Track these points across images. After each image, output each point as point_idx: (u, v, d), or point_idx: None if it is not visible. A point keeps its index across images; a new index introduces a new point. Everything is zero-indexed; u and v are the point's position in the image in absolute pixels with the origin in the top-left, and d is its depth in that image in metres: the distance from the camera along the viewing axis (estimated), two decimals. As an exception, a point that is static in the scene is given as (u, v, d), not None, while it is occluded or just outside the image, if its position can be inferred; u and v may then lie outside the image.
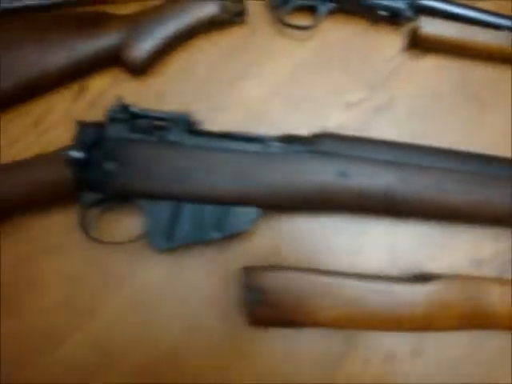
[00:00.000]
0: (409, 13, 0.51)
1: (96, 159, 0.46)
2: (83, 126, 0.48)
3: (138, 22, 0.51)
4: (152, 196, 0.46)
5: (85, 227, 0.48)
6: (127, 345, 0.49)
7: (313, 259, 0.50)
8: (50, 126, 0.53)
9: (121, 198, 0.48)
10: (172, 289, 0.50)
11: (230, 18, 0.52)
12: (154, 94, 0.52)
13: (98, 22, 0.51)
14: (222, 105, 0.52)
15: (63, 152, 0.45)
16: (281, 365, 0.49)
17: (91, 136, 0.47)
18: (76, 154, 0.45)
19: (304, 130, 0.49)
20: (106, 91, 0.53)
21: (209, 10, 0.51)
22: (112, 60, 0.52)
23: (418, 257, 0.51)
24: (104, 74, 0.53)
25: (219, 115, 0.51)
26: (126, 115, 0.47)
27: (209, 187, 0.46)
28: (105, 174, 0.46)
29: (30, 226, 0.51)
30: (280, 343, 0.49)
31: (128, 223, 0.51)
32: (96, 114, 0.52)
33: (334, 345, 0.49)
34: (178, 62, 0.53)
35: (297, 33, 0.53)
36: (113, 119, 0.47)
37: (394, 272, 0.50)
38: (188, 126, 0.47)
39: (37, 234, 0.51)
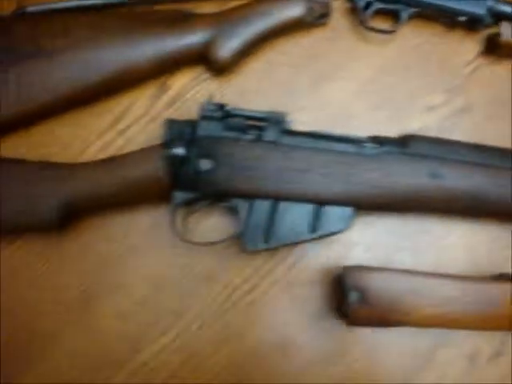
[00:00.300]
0: (488, 19, 0.53)
1: (191, 157, 0.45)
2: (173, 124, 0.47)
3: (226, 21, 0.51)
4: (248, 195, 0.46)
5: (175, 227, 0.47)
6: (213, 345, 0.49)
7: (396, 259, 0.50)
8: (131, 124, 0.52)
9: (214, 197, 0.47)
10: (259, 289, 0.49)
11: (315, 19, 0.52)
12: (237, 93, 0.52)
13: (185, 20, 0.51)
14: (304, 105, 0.52)
15: (165, 149, 0.44)
16: (367, 363, 0.49)
17: (183, 134, 0.46)
18: (179, 151, 0.44)
19: (386, 132, 0.50)
20: (186, 90, 0.53)
21: (295, 11, 0.51)
22: (196, 58, 0.51)
23: (497, 258, 0.52)
24: (185, 73, 0.53)
25: (301, 115, 0.51)
26: (219, 113, 0.47)
27: (305, 187, 0.46)
28: (200, 172, 0.45)
29: (113, 225, 0.50)
30: (368, 342, 0.49)
31: (214, 223, 0.50)
32: (176, 113, 0.52)
33: (421, 343, 0.49)
34: (260, 61, 0.53)
35: (377, 36, 0.53)
36: (205, 117, 0.47)
37: (474, 272, 0.51)
38: (282, 125, 0.47)
39: (120, 233, 0.50)
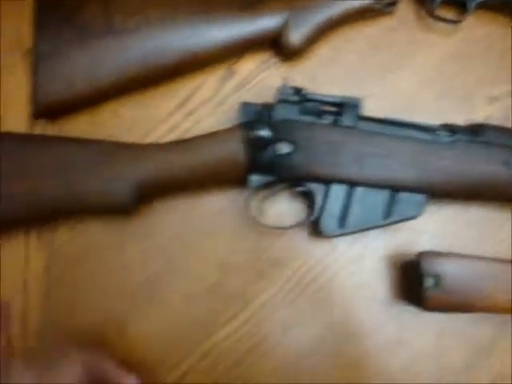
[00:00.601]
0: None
1: (270, 140, 0.45)
2: (248, 106, 0.47)
3: (298, 6, 0.50)
4: (326, 180, 0.46)
5: (250, 211, 0.47)
6: (281, 331, 0.49)
7: (461, 246, 0.51)
8: (198, 106, 0.52)
9: (290, 181, 0.47)
10: (327, 275, 0.50)
11: (382, 7, 0.52)
12: (304, 79, 0.52)
13: (256, 4, 0.50)
14: (370, 93, 0.52)
15: (249, 130, 0.44)
16: (433, 349, 0.49)
17: (261, 116, 0.46)
18: (265, 133, 0.44)
19: (451, 121, 0.50)
20: (254, 73, 0.52)
21: (365, -1, 0.51)
22: (267, 42, 0.51)
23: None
24: (254, 56, 0.52)
25: (368, 103, 0.51)
26: (296, 97, 0.46)
27: (382, 173, 0.46)
28: (279, 156, 0.45)
29: (182, 208, 0.50)
30: (434, 328, 0.49)
31: (283, 208, 0.50)
32: (244, 96, 0.51)
33: (484, 331, 0.50)
34: (326, 48, 0.53)
35: (441, 26, 0.54)
36: (282, 100, 0.46)
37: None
38: (358, 110, 0.47)
39: (188, 217, 0.50)
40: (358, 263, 0.50)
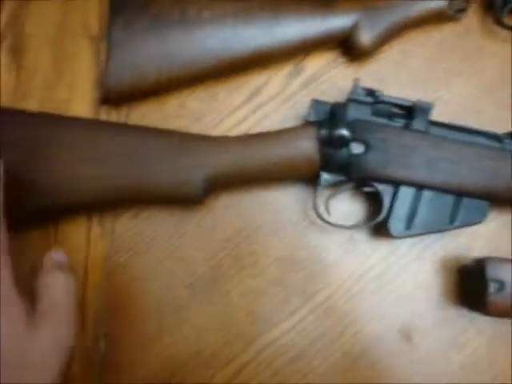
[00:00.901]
0: None
1: (347, 140, 0.45)
2: (319, 104, 0.47)
3: (370, 7, 0.51)
4: (396, 182, 0.46)
5: (317, 209, 0.47)
6: (339, 329, 0.49)
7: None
8: (265, 102, 0.52)
9: (359, 181, 0.47)
10: (386, 276, 0.50)
11: (453, 13, 0.53)
12: (371, 80, 0.52)
13: (329, 3, 0.51)
14: (434, 98, 0.52)
15: (326, 129, 0.44)
16: (487, 352, 0.50)
17: (335, 115, 0.46)
18: (343, 133, 0.44)
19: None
20: (322, 72, 0.52)
21: (438, 3, 0.52)
22: (337, 42, 0.51)
23: None
24: (321, 55, 0.53)
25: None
26: (369, 98, 0.47)
27: (451, 178, 0.46)
28: (351, 156, 0.45)
29: (246, 202, 0.50)
30: (488, 332, 0.50)
31: (348, 208, 0.50)
32: (311, 94, 0.52)
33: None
34: (394, 51, 0.53)
35: (508, 34, 0.54)
36: (354, 100, 0.47)
37: None
38: (429, 115, 0.47)
39: (252, 211, 0.50)
40: (417, 265, 0.50)
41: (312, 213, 0.50)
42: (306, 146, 0.45)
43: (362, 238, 0.50)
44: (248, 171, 0.46)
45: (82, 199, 0.46)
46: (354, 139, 0.45)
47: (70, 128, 0.46)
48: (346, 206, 0.50)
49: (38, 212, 0.47)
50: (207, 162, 0.45)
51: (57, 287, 0.38)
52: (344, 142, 0.44)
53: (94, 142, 0.46)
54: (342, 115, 0.46)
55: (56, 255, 0.40)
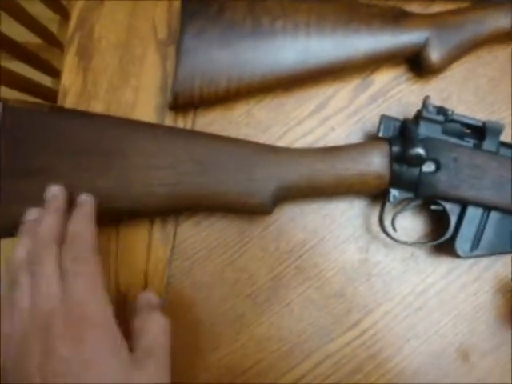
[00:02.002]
0: None
1: (423, 159, 0.45)
2: (389, 120, 0.47)
3: (442, 24, 0.51)
4: (464, 202, 0.46)
5: (384, 225, 0.48)
6: (398, 344, 0.49)
7: None
8: (330, 115, 0.52)
9: (428, 199, 0.47)
10: (446, 294, 0.50)
11: (521, 33, 0.53)
12: (438, 98, 0.52)
13: (401, 18, 0.51)
14: (499, 118, 0.52)
15: (408, 147, 0.44)
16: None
17: (408, 132, 0.46)
18: (420, 152, 0.44)
19: None
20: (389, 87, 0.52)
21: (506, 22, 0.52)
22: (406, 57, 0.51)
23: None
24: (388, 70, 0.53)
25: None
26: (440, 117, 0.47)
27: (519, 200, 0.46)
28: (422, 174, 0.45)
29: (308, 214, 0.50)
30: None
31: (408, 223, 0.50)
32: (377, 109, 0.52)
33: None
34: (461, 69, 0.53)
35: None
36: (425, 118, 0.47)
37: None
38: (499, 136, 0.47)
39: (314, 223, 0.50)
40: (478, 285, 0.50)
41: (374, 227, 0.50)
42: (378, 163, 0.45)
43: (423, 254, 0.50)
44: (317, 185, 0.46)
45: (149, 205, 0.46)
46: (428, 158, 0.45)
47: (140, 133, 0.46)
48: (409, 223, 0.50)
49: (104, 216, 0.47)
50: (279, 174, 0.45)
51: (154, 328, 0.38)
52: (420, 161, 0.44)
53: (165, 148, 0.46)
54: (414, 133, 0.45)
55: (148, 296, 0.41)
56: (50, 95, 0.79)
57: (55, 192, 0.42)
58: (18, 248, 0.38)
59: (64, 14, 0.84)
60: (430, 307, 0.50)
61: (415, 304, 0.50)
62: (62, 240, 0.39)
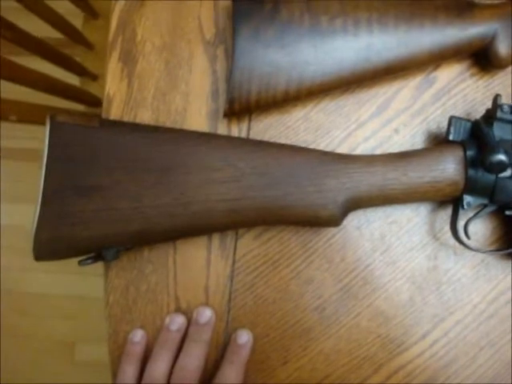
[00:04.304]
0: None
1: (502, 166, 0.42)
2: (458, 122, 0.45)
3: (509, 16, 0.48)
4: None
5: (457, 233, 0.45)
6: (470, 354, 0.48)
7: None
8: (393, 116, 0.49)
9: (502, 205, 0.45)
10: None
11: None
12: (504, 93, 0.49)
13: (466, 11, 0.47)
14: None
15: (487, 153, 0.41)
16: None
17: (485, 135, 0.43)
18: (503, 158, 0.41)
19: None
20: (453, 84, 0.50)
21: None
22: (472, 52, 0.48)
23: None
24: (451, 67, 0.50)
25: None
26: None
27: None
28: (498, 179, 0.43)
29: (374, 222, 0.48)
30: None
31: (481, 229, 0.48)
32: (442, 108, 0.49)
33: None
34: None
35: None
36: (499, 119, 0.44)
37: None
38: None
39: (380, 231, 0.48)
40: None
41: (442, 234, 0.48)
42: (452, 169, 0.43)
43: (494, 260, 0.48)
44: (389, 194, 0.44)
45: (210, 222, 0.44)
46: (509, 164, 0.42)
47: (200, 146, 0.44)
48: (479, 228, 0.48)
49: (164, 235, 0.45)
50: (350, 184, 0.43)
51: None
52: (502, 168, 0.41)
53: (226, 160, 0.43)
54: (491, 137, 0.43)
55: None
56: (79, 96, 0.76)
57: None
58: (121, 373, 0.44)
59: (89, 11, 0.80)
60: (504, 314, 0.48)
61: (487, 312, 0.48)
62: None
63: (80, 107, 0.86)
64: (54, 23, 0.73)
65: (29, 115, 0.68)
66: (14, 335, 1.27)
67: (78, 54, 0.80)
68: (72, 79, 0.84)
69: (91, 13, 0.79)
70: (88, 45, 0.81)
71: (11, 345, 1.26)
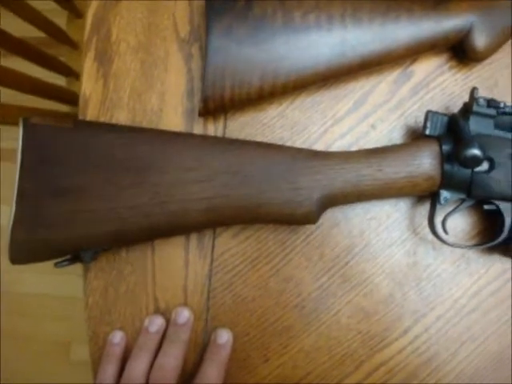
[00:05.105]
0: None
1: (477, 160, 0.42)
2: (435, 116, 0.44)
3: (487, 7, 0.47)
4: (515, 200, 0.44)
5: (434, 227, 0.45)
6: (451, 349, 0.48)
7: None
8: (370, 111, 0.49)
9: (480, 199, 0.45)
10: (500, 295, 0.48)
11: None
12: (483, 87, 0.49)
13: (442, 3, 0.47)
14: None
15: (462, 147, 0.41)
16: None
17: (460, 130, 0.43)
18: (477, 152, 0.41)
19: None
20: (431, 78, 0.49)
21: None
22: (449, 44, 0.48)
23: None
24: (429, 60, 0.49)
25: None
26: (492, 111, 0.44)
27: None
28: (474, 173, 0.43)
29: (352, 219, 0.48)
30: None
31: (460, 224, 0.48)
32: (419, 103, 0.49)
33: None
34: (505, 53, 0.50)
35: None
36: (475, 113, 0.44)
37: None
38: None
39: (359, 228, 0.48)
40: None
41: (421, 229, 0.48)
42: (428, 164, 0.43)
43: (474, 255, 0.48)
44: (364, 190, 0.43)
45: (187, 221, 0.43)
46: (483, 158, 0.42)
47: (175, 146, 0.43)
48: (458, 223, 0.48)
49: (141, 236, 0.44)
50: (325, 181, 0.43)
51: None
52: (476, 163, 0.41)
53: (201, 160, 0.43)
54: (466, 131, 0.42)
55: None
56: (65, 97, 0.76)
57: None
58: (101, 373, 0.44)
59: (73, 10, 0.79)
60: (486, 308, 0.47)
61: (468, 306, 0.48)
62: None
63: (67, 108, 0.86)
64: (37, 23, 0.73)
65: (13, 117, 0.68)
66: (14, 337, 1.28)
67: (63, 54, 0.79)
68: (59, 80, 0.84)
69: (75, 12, 0.79)
70: (72, 44, 0.81)
71: (11, 346, 1.27)
